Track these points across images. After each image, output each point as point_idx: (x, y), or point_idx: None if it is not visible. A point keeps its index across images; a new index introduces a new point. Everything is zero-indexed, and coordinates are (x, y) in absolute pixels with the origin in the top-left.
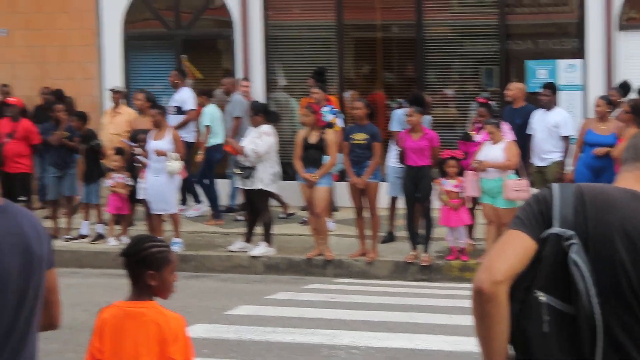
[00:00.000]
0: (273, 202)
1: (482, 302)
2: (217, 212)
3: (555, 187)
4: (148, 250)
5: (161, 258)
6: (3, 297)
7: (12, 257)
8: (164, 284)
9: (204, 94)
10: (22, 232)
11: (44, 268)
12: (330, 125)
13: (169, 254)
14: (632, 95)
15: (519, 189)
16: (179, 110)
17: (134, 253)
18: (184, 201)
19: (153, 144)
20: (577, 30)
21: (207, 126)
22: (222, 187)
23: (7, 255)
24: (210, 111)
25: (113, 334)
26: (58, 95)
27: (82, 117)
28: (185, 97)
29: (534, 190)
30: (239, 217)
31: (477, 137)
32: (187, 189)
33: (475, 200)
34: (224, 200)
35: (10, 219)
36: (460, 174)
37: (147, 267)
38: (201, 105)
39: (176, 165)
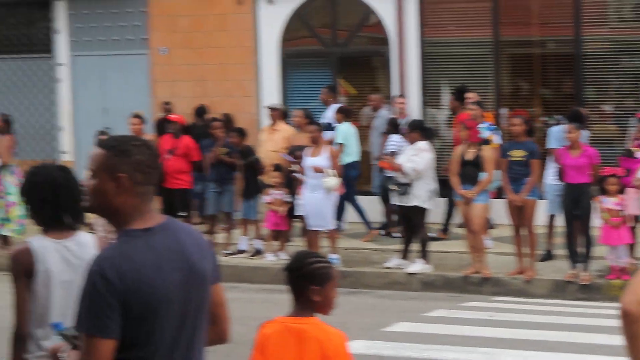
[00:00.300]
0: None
1: (629, 323)
2: (369, 226)
3: None
4: (312, 265)
5: (324, 274)
6: (165, 312)
7: (172, 273)
8: (326, 299)
9: (341, 111)
10: (183, 249)
11: (208, 283)
12: (487, 141)
13: (332, 270)
14: None
15: None
16: (330, 127)
17: (297, 268)
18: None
19: (310, 161)
20: None
21: (341, 144)
22: (369, 203)
23: (168, 272)
24: (344, 129)
25: (275, 349)
26: (199, 113)
27: (241, 133)
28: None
29: None
30: (395, 234)
31: (639, 154)
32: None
33: (636, 219)
34: (375, 216)
35: (171, 236)
36: (621, 191)
37: (310, 283)
38: (338, 122)
39: (333, 181)
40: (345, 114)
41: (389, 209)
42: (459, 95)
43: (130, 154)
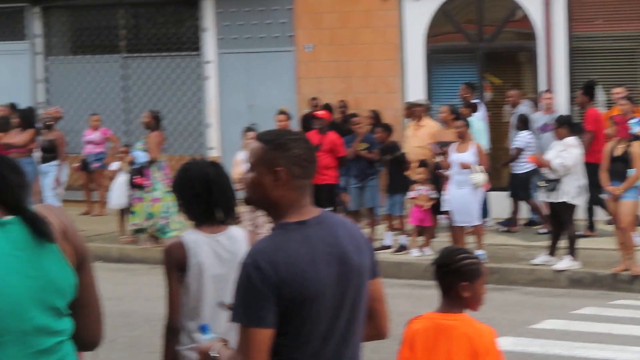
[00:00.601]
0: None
1: None
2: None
3: None
4: (461, 261)
5: (474, 270)
6: (318, 305)
7: (327, 267)
8: (475, 295)
9: (468, 106)
10: (339, 242)
11: (365, 278)
12: (637, 137)
13: (481, 266)
14: None
15: None
16: None
17: (447, 264)
18: (485, 213)
19: (456, 156)
20: None
21: None
22: (499, 198)
23: (322, 265)
24: (471, 124)
25: (424, 345)
26: (325, 107)
27: (387, 128)
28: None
29: None
30: (542, 231)
31: None
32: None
33: None
34: (502, 212)
35: (326, 230)
36: None
37: (460, 279)
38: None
39: (480, 177)
40: (472, 109)
41: (517, 206)
42: (587, 90)
43: (287, 148)
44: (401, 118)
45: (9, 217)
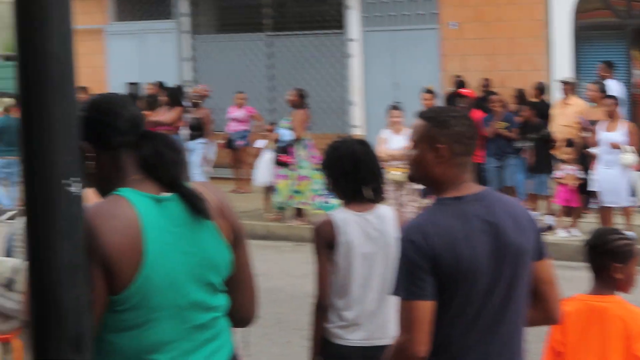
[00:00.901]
0: None
1: None
2: None
3: None
4: (614, 242)
5: (627, 251)
6: (472, 281)
7: (482, 243)
8: (628, 277)
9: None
10: (495, 220)
11: (526, 259)
12: None
13: (634, 247)
14: None
15: None
16: None
17: (600, 244)
18: (632, 194)
19: (605, 136)
20: None
21: None
22: None
23: (477, 241)
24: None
25: (575, 327)
26: (460, 85)
27: (534, 107)
28: (612, 89)
29: None
30: None
31: None
32: None
33: None
34: None
35: (484, 207)
36: None
37: (612, 260)
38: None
39: (631, 158)
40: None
41: None
42: None
43: (449, 125)
44: (546, 97)
45: (167, 194)
